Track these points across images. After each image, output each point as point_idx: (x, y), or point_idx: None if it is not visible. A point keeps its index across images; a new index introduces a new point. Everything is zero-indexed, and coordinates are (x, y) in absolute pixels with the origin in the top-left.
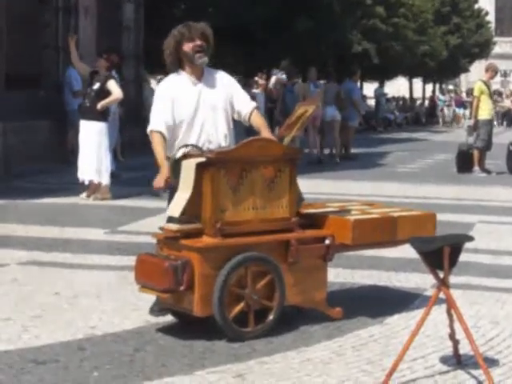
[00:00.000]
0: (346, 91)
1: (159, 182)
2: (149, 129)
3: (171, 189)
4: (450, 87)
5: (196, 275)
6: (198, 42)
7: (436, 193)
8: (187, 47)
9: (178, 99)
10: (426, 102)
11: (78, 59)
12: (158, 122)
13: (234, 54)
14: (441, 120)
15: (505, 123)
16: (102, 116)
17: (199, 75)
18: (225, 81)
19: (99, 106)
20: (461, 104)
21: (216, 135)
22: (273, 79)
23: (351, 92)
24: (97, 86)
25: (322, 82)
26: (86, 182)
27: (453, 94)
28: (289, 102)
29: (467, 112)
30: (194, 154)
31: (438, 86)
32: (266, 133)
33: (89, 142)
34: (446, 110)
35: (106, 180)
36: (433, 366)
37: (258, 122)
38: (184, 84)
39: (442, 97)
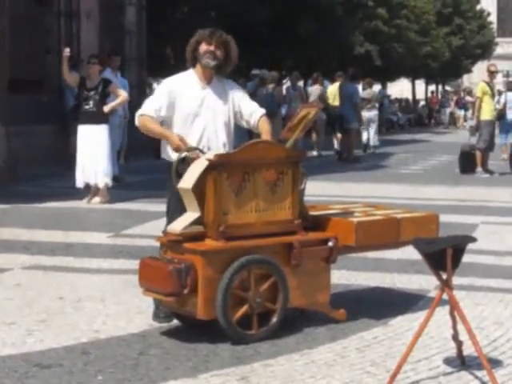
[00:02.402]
0: (347, 93)
1: (176, 143)
2: (138, 112)
3: (171, 195)
4: (448, 88)
5: (199, 278)
6: (212, 48)
7: (439, 194)
8: (202, 49)
9: (181, 98)
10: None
11: (68, 74)
12: (148, 108)
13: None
14: (433, 121)
15: None
16: (106, 118)
17: (209, 80)
18: (232, 91)
19: (107, 108)
20: (461, 105)
21: (216, 142)
22: None
23: (352, 94)
24: (99, 89)
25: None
26: (90, 185)
27: (453, 95)
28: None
29: (469, 114)
30: (195, 157)
31: (440, 87)
32: (265, 138)
33: (98, 146)
34: (443, 112)
35: (110, 182)
36: (437, 368)
37: (263, 128)
38: (190, 85)
39: (469, 98)
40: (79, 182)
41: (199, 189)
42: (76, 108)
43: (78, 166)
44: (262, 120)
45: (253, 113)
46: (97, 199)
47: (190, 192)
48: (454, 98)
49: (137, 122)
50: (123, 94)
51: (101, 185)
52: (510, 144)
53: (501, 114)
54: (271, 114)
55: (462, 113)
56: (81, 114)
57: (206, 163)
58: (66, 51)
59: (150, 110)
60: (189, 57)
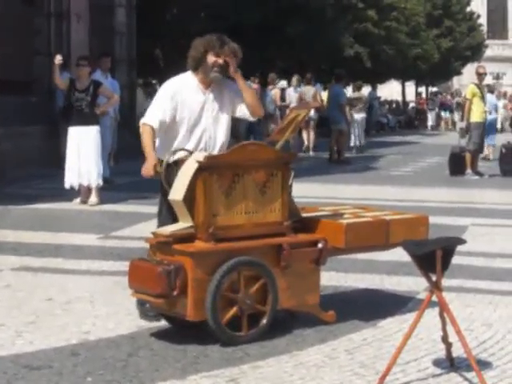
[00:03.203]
0: (333, 95)
1: (148, 169)
2: (142, 120)
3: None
4: (435, 89)
5: (189, 280)
6: (221, 61)
7: (429, 196)
8: (210, 59)
9: (183, 102)
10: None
11: (58, 79)
12: (153, 116)
13: None
14: (416, 123)
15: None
16: (98, 120)
17: (209, 84)
18: (231, 92)
19: (100, 109)
20: (447, 107)
21: (214, 145)
22: None
23: (337, 96)
24: (90, 91)
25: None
26: (79, 187)
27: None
28: None
29: (456, 116)
30: (185, 159)
31: (430, 89)
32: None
33: (91, 147)
34: (428, 114)
35: (101, 183)
36: (426, 369)
37: (247, 100)
38: (191, 89)
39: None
40: (68, 183)
41: (190, 198)
42: (66, 109)
43: (69, 167)
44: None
45: (243, 108)
46: (94, 200)
47: (181, 203)
48: (439, 99)
49: (141, 128)
50: (114, 96)
51: (94, 185)
52: (501, 145)
53: None
54: (269, 115)
55: (447, 115)
56: (72, 115)
57: (193, 170)
58: (58, 58)
59: (154, 119)
60: (193, 62)
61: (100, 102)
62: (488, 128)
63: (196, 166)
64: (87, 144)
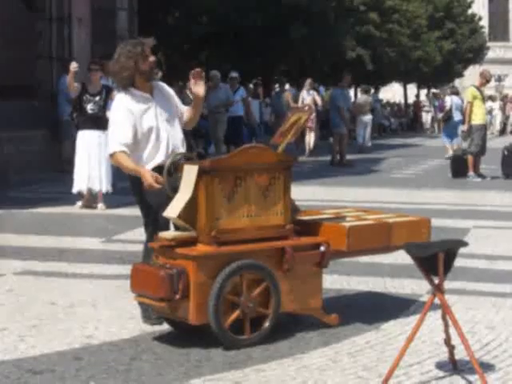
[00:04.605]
0: (333, 98)
1: (150, 182)
2: (111, 150)
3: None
4: (434, 91)
5: (191, 283)
6: (153, 59)
7: (431, 198)
8: (145, 65)
9: (139, 116)
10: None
11: (73, 86)
12: (119, 143)
13: (228, 60)
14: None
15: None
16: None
17: (151, 91)
18: (169, 93)
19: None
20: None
21: (178, 144)
22: None
23: (336, 99)
24: (103, 95)
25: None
26: (92, 191)
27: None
28: None
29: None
30: (185, 162)
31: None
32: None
33: (102, 151)
34: (424, 117)
35: (111, 189)
36: (429, 372)
37: (189, 112)
38: (140, 101)
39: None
40: (77, 188)
41: (192, 202)
42: (77, 113)
43: (79, 171)
44: (185, 110)
45: (183, 112)
46: (102, 205)
47: (177, 219)
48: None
49: (111, 160)
50: None
51: (104, 191)
52: (504, 147)
53: (447, 116)
54: (279, 116)
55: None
56: (85, 118)
57: (192, 185)
58: (74, 66)
59: (120, 145)
60: (129, 78)
61: (108, 107)
62: (454, 129)
63: (194, 179)
64: (100, 149)
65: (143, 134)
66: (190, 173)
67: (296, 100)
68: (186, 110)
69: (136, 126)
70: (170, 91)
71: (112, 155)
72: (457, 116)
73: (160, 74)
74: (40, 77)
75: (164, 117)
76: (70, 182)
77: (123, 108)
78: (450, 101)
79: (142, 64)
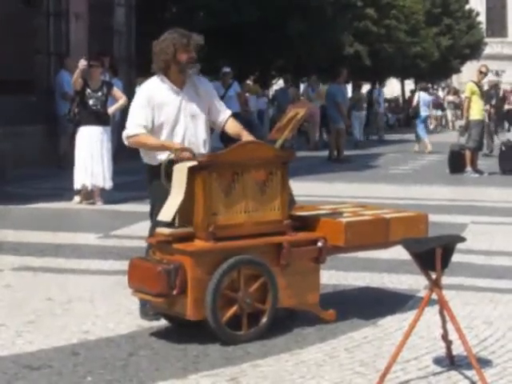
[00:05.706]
0: (330, 94)
1: (177, 147)
2: (130, 133)
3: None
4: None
5: (189, 279)
6: (193, 55)
7: (428, 194)
8: (182, 57)
9: (160, 106)
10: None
11: (79, 84)
12: (137, 125)
13: (226, 56)
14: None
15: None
16: (109, 120)
17: (182, 84)
18: (205, 88)
19: (111, 111)
20: (438, 105)
21: (196, 143)
22: None
23: (334, 95)
24: (104, 91)
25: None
26: (82, 187)
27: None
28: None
29: (449, 114)
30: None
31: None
32: (246, 137)
33: (104, 147)
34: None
35: (112, 185)
36: (426, 367)
37: (235, 128)
38: (166, 92)
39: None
40: (79, 183)
41: (189, 197)
42: (79, 109)
43: (81, 166)
44: (231, 121)
45: (220, 112)
46: (100, 201)
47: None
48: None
49: (129, 142)
50: (123, 98)
51: (107, 187)
52: (501, 143)
53: (415, 112)
54: (284, 111)
55: (438, 113)
56: (87, 114)
57: (184, 187)
58: (83, 63)
59: (139, 127)
60: (164, 64)
61: (109, 104)
62: (424, 124)
63: (185, 179)
64: (102, 144)
65: (158, 125)
66: (180, 173)
67: (299, 97)
68: (226, 121)
69: (153, 115)
70: (209, 89)
71: (131, 137)
72: (424, 111)
73: (194, 70)
74: (37, 72)
75: (189, 112)
76: (68, 178)
77: (145, 94)
78: (417, 97)
79: (181, 54)
